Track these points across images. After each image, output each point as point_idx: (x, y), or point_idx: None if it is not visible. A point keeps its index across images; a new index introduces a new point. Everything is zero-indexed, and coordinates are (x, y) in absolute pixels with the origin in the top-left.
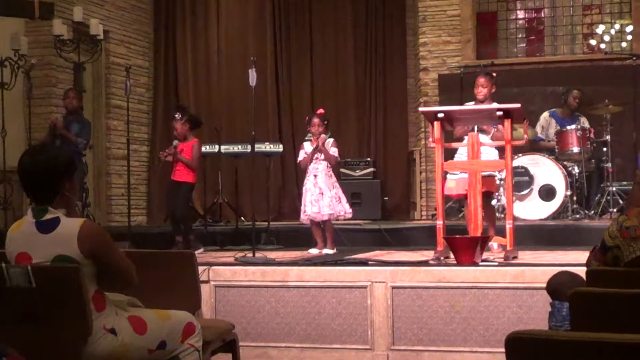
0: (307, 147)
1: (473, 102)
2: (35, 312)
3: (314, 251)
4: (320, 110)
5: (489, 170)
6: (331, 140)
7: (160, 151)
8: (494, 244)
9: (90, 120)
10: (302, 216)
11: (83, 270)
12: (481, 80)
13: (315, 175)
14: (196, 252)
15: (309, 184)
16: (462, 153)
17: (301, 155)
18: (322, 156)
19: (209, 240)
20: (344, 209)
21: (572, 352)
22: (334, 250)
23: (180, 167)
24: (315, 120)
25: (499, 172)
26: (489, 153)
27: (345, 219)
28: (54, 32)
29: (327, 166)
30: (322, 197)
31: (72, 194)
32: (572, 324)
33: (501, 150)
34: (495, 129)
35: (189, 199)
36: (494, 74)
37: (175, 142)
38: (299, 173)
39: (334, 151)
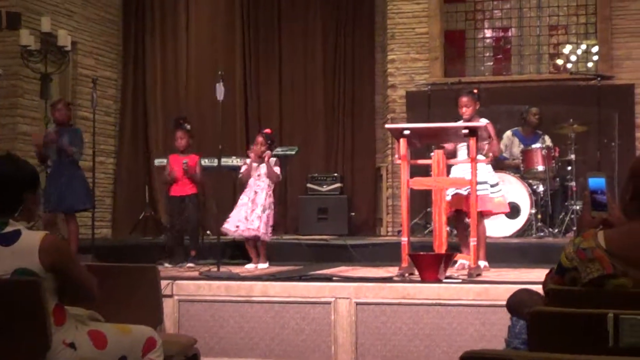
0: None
1: (462, 121)
2: None
3: (250, 266)
4: (267, 130)
5: (455, 188)
6: (274, 159)
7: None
8: (481, 263)
9: (80, 130)
10: (227, 226)
11: (43, 284)
12: (464, 99)
13: (255, 192)
14: (187, 264)
15: (245, 199)
16: (455, 169)
17: (243, 169)
18: (265, 172)
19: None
20: (264, 230)
21: None
22: (267, 264)
23: (181, 182)
24: (259, 139)
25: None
26: (480, 169)
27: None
28: (21, 42)
29: (269, 185)
30: (252, 213)
31: (35, 207)
32: (529, 343)
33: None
34: (487, 143)
35: (198, 211)
36: (475, 90)
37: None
38: None
39: (277, 169)
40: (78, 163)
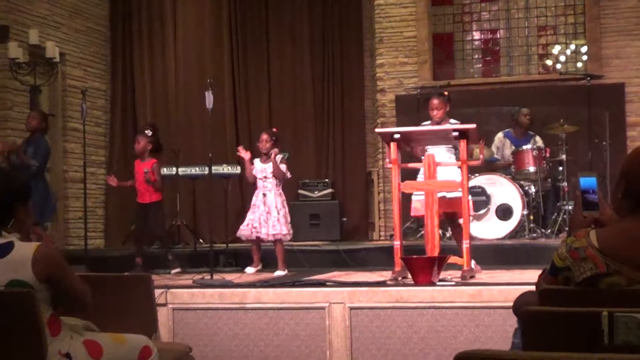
0: (257, 163)
1: (429, 122)
2: None
3: (250, 270)
4: (274, 129)
5: (445, 191)
6: (280, 156)
7: (110, 174)
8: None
9: (47, 142)
10: (244, 229)
11: (38, 295)
12: (434, 102)
13: (264, 194)
14: (173, 271)
15: (257, 202)
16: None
17: (250, 169)
18: (271, 171)
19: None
20: (286, 230)
21: None
22: (286, 272)
23: (144, 189)
24: (264, 136)
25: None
26: (453, 172)
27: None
28: (10, 55)
29: (277, 184)
30: (269, 216)
31: (27, 218)
32: (523, 342)
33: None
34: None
35: (163, 217)
36: (446, 93)
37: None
38: None
39: (283, 167)
40: (40, 174)
